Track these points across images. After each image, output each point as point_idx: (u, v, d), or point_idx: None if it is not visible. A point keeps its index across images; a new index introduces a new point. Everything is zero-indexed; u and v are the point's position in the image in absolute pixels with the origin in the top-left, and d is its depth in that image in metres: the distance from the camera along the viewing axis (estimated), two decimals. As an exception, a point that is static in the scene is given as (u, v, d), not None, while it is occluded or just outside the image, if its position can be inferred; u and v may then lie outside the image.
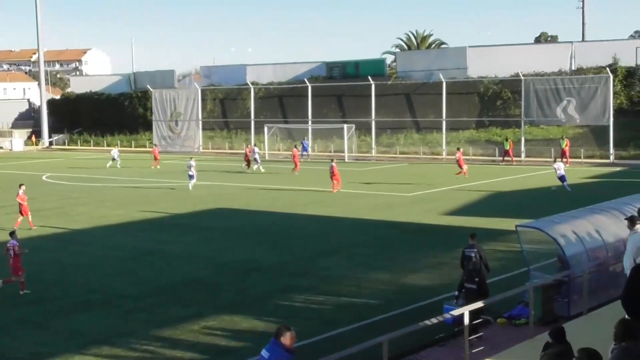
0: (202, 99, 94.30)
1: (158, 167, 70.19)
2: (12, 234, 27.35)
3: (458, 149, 59.39)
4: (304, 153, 74.83)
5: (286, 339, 11.80)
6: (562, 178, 48.51)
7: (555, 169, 49.51)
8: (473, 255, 21.82)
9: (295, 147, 69.39)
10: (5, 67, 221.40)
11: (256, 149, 69.09)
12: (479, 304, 17.88)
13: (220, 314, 22.44)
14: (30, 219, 38.82)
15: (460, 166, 55.37)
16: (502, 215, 38.26)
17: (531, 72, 76.55)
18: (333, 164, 51.72)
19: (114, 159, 71.79)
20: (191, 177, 53.51)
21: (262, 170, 65.66)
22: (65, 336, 20.96)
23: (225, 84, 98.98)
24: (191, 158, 58.15)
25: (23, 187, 39.91)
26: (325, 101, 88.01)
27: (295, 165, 63.16)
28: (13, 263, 26.05)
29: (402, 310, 22.33)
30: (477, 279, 19.99)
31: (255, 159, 66.90)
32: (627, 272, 19.00)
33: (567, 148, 65.92)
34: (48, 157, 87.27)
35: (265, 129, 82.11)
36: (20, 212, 38.93)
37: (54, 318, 22.77)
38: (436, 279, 26.22)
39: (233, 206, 44.26)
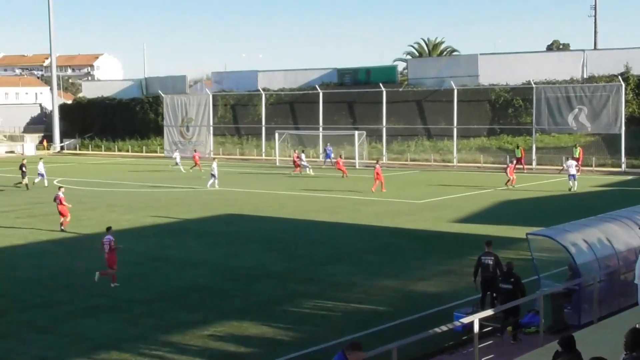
0: (214, 105, 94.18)
1: (202, 170, 69.91)
2: (108, 229, 28.75)
3: (511, 161, 59.59)
4: (327, 160, 74.89)
5: (352, 356, 11.47)
6: (573, 176, 52.43)
7: (566, 166, 53.86)
8: (490, 262, 21.79)
9: (340, 156, 69.69)
10: (17, 71, 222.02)
11: (303, 155, 69.73)
12: (488, 312, 17.77)
13: (229, 320, 22.37)
14: (64, 220, 39.75)
15: (509, 175, 55.30)
16: (513, 223, 38.12)
17: (543, 80, 76.30)
18: (377, 165, 54.52)
19: (176, 164, 73.22)
20: (213, 176, 56.88)
21: (312, 173, 66.86)
22: (73, 340, 20.93)
23: (236, 89, 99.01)
24: (214, 159, 62.01)
25: (63, 190, 41.81)
26: (336, 107, 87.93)
27: (343, 171, 64.37)
28: (109, 257, 27.40)
29: (411, 317, 22.22)
30: (512, 280, 20.01)
31: (304, 165, 68.35)
32: (638, 281, 18.91)
33: (580, 156, 65.49)
34: (59, 162, 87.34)
35: (276, 135, 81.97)
36: (61, 213, 40.08)
37: (61, 322, 22.73)
38: (445, 287, 26.09)
39: (242, 212, 44.17)
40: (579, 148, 66.73)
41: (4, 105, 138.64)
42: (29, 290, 26.77)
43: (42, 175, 60.35)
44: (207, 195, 52.28)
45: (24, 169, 59.01)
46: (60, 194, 40.38)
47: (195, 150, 78.69)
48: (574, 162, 54.57)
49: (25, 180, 57.90)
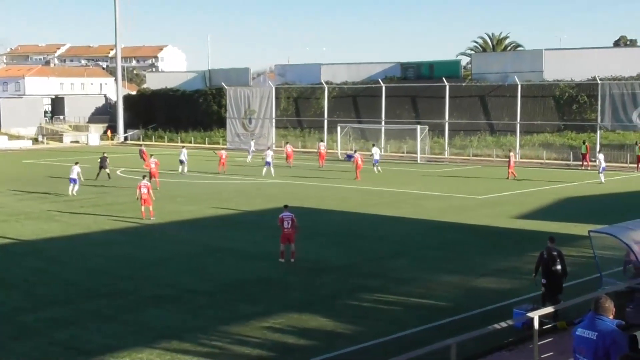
0: (276, 97, 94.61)
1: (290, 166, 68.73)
2: (286, 207, 30.67)
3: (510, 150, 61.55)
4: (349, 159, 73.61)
5: (608, 310, 11.15)
6: (601, 169, 55.19)
7: (599, 160, 56.30)
8: (555, 254, 21.77)
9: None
10: (83, 62, 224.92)
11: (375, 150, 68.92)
12: (548, 309, 17.68)
13: (289, 312, 22.48)
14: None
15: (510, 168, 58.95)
16: (575, 220, 37.78)
17: (609, 76, 75.35)
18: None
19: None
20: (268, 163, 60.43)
21: (377, 171, 63.42)
22: (136, 330, 21.20)
23: (299, 82, 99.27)
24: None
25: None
26: (399, 102, 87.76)
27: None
28: (291, 232, 29.46)
29: (471, 313, 22.17)
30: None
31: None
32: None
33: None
34: (123, 152, 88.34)
35: (338, 128, 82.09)
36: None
37: (125, 312, 23.03)
38: (506, 283, 25.96)
39: (304, 205, 44.14)
40: (639, 146, 65.67)
41: (70, 95, 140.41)
42: (93, 279, 27.15)
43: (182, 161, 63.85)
44: (269, 188, 52.52)
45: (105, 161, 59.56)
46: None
47: (287, 143, 78.33)
48: (602, 156, 57.04)
49: (107, 170, 58.52)
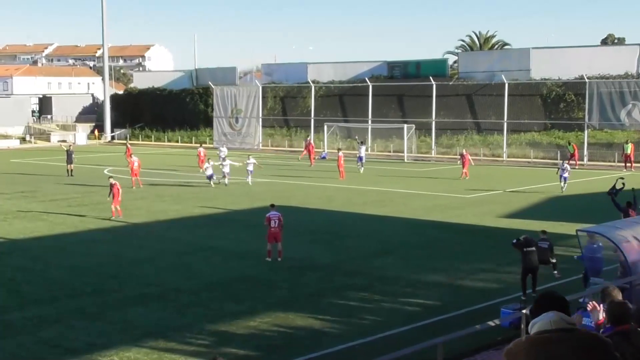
0: (263, 97, 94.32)
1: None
2: (272, 206, 31.05)
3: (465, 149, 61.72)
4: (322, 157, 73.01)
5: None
6: (564, 178, 49.88)
7: (559, 168, 52.21)
8: (545, 246, 22.26)
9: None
10: (70, 61, 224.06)
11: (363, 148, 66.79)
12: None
13: (275, 311, 22.45)
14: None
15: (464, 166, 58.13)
16: (562, 219, 37.79)
17: (596, 74, 75.29)
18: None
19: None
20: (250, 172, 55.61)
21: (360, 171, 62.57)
22: (122, 328, 21.15)
23: (286, 81, 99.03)
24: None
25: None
26: (386, 101, 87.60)
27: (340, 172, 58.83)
28: (278, 232, 29.63)
29: (458, 312, 22.15)
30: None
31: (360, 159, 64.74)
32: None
33: (631, 153, 64.57)
34: (110, 151, 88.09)
35: (325, 127, 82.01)
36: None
37: (110, 310, 22.97)
38: (493, 282, 25.97)
39: (290, 204, 44.01)
40: (630, 144, 65.65)
41: (57, 95, 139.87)
42: (79, 277, 27.05)
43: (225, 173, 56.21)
44: (255, 187, 52.39)
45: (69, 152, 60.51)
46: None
47: (308, 136, 79.82)
48: (568, 167, 52.00)
49: (71, 167, 59.29)
